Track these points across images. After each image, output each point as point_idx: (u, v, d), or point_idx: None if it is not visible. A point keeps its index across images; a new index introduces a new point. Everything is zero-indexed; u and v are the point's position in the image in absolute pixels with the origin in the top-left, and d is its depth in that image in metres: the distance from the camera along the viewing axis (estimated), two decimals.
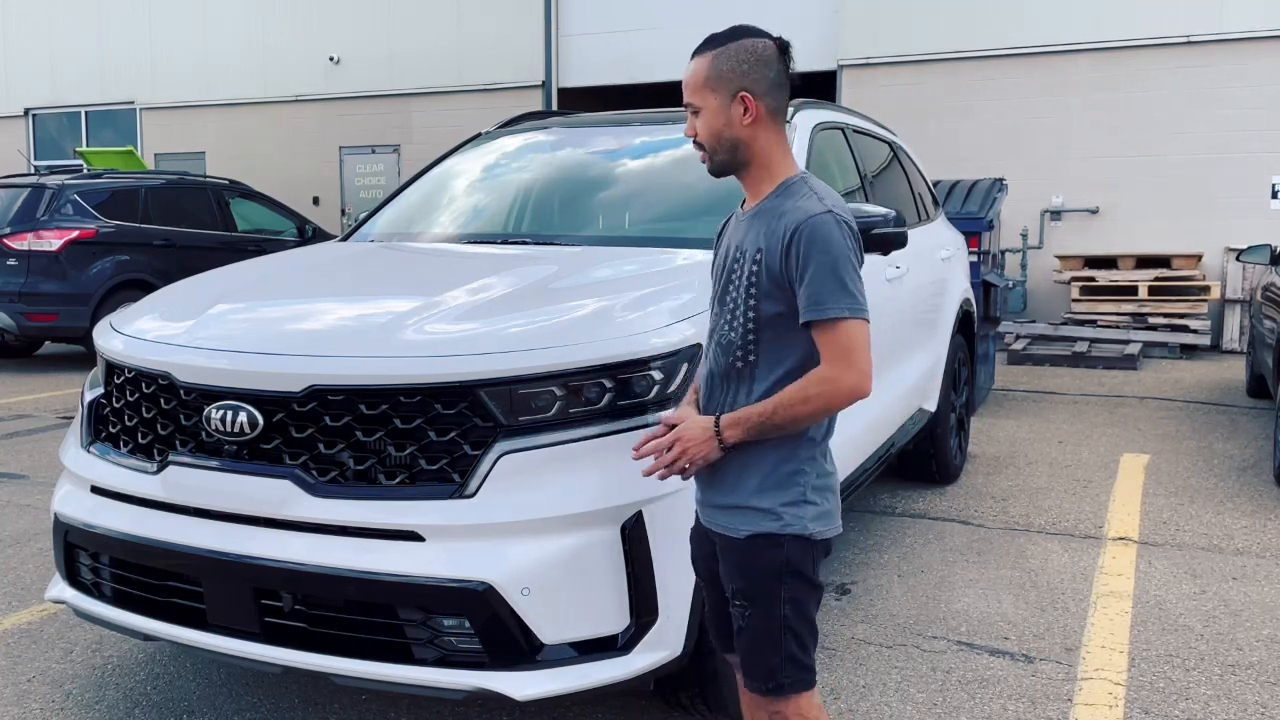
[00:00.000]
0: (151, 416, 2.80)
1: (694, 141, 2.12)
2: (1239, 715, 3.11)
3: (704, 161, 2.14)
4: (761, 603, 2.05)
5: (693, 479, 2.16)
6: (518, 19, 14.89)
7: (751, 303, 2.03)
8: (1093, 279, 11.50)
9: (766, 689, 2.08)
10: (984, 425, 7.21)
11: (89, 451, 2.95)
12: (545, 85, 14.82)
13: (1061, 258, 11.82)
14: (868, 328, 1.98)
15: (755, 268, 2.03)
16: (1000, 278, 8.36)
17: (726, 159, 2.10)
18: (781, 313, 2.01)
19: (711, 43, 2.09)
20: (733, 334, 2.07)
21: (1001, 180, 8.70)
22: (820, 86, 12.84)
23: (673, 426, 2.09)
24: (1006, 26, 12.22)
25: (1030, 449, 6.59)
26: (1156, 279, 11.24)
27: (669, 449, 2.05)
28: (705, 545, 2.21)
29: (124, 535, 2.74)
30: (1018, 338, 11.15)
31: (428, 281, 3.29)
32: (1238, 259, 8.04)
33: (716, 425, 2.02)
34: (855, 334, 1.96)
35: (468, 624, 2.44)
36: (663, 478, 2.10)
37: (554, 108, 14.35)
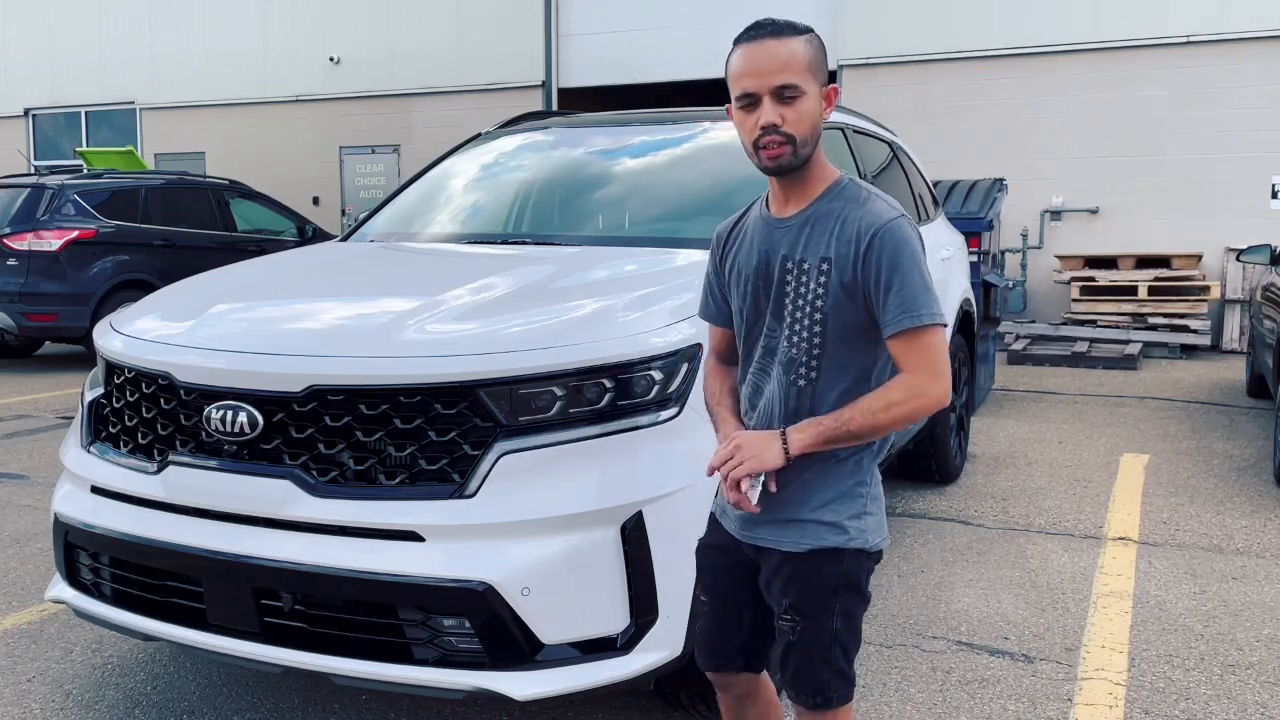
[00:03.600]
0: (151, 416, 2.80)
1: (775, 130, 1.87)
2: (1239, 715, 3.11)
3: (775, 158, 1.89)
4: (815, 617, 1.98)
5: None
6: (518, 19, 14.89)
7: (819, 316, 1.91)
8: (1093, 279, 11.50)
9: (814, 704, 2.02)
10: (984, 425, 7.21)
11: (89, 451, 2.95)
12: (545, 85, 14.82)
13: (1061, 258, 11.82)
14: (945, 336, 1.91)
15: (824, 278, 1.90)
16: (1000, 278, 8.36)
17: (810, 152, 1.92)
18: (849, 324, 1.91)
19: (790, 28, 1.90)
20: (794, 350, 1.94)
21: (1001, 180, 8.70)
22: None
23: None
24: (1007, 26, 12.23)
25: (1030, 449, 6.59)
26: (1156, 279, 11.24)
27: (730, 458, 1.90)
28: (729, 558, 2.11)
29: (124, 535, 2.74)
30: (1018, 338, 11.16)
31: (428, 281, 3.29)
32: (1238, 259, 8.04)
33: (782, 434, 1.88)
34: (942, 342, 1.89)
35: (468, 624, 2.44)
36: (732, 499, 1.93)
37: (554, 108, 14.35)
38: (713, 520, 2.18)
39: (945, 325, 1.88)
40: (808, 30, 1.92)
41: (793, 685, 2.04)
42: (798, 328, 1.94)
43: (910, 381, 1.86)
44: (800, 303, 1.93)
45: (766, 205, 2.04)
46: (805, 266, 1.93)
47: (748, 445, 1.90)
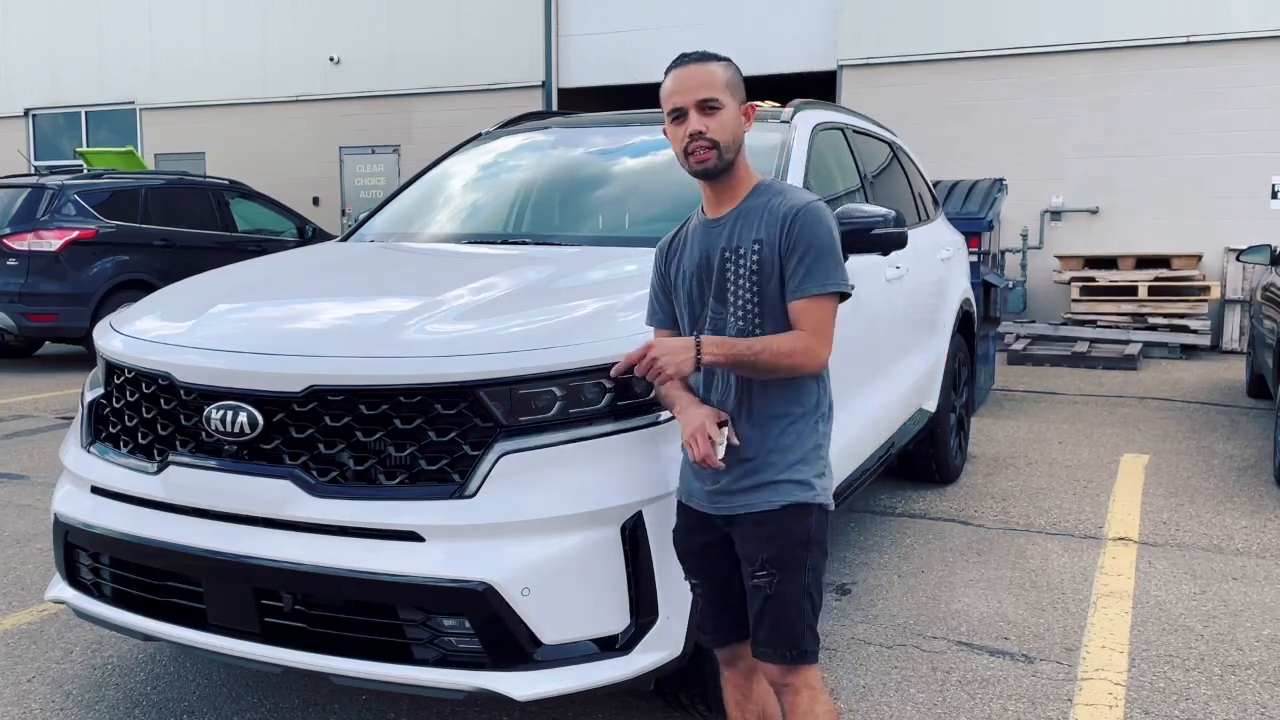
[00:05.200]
0: (151, 417, 2.80)
1: (701, 137, 2.18)
2: (1239, 715, 3.11)
3: (703, 161, 2.20)
4: (790, 569, 2.17)
5: (701, 470, 2.23)
6: (518, 19, 14.89)
7: (755, 290, 2.18)
8: (1093, 279, 11.50)
9: (791, 656, 2.19)
10: (984, 425, 7.21)
11: (89, 451, 2.95)
12: (545, 85, 14.82)
13: (1061, 258, 11.82)
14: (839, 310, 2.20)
15: (756, 256, 2.18)
16: (1000, 278, 8.36)
17: (732, 159, 2.23)
18: (780, 295, 2.19)
19: (709, 56, 2.26)
20: (741, 323, 2.20)
21: (1001, 180, 8.70)
22: (820, 86, 12.84)
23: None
24: (1007, 26, 12.22)
25: (1030, 449, 6.59)
26: (1156, 279, 11.24)
27: (643, 357, 2.12)
28: (705, 535, 2.30)
29: (124, 535, 2.74)
30: (1018, 338, 11.15)
31: (428, 282, 3.29)
32: (1238, 259, 8.04)
33: (697, 341, 2.12)
34: (834, 312, 2.18)
35: (468, 624, 2.44)
36: (698, 456, 2.11)
37: (554, 108, 14.35)
38: (680, 506, 2.36)
39: (845, 297, 2.19)
40: (726, 59, 2.29)
41: (770, 642, 2.19)
42: (740, 303, 2.21)
43: (808, 341, 2.14)
44: (740, 281, 2.20)
45: (703, 212, 2.34)
46: (740, 251, 2.21)
47: (662, 346, 2.12)
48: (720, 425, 2.17)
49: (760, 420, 2.20)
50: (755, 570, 2.19)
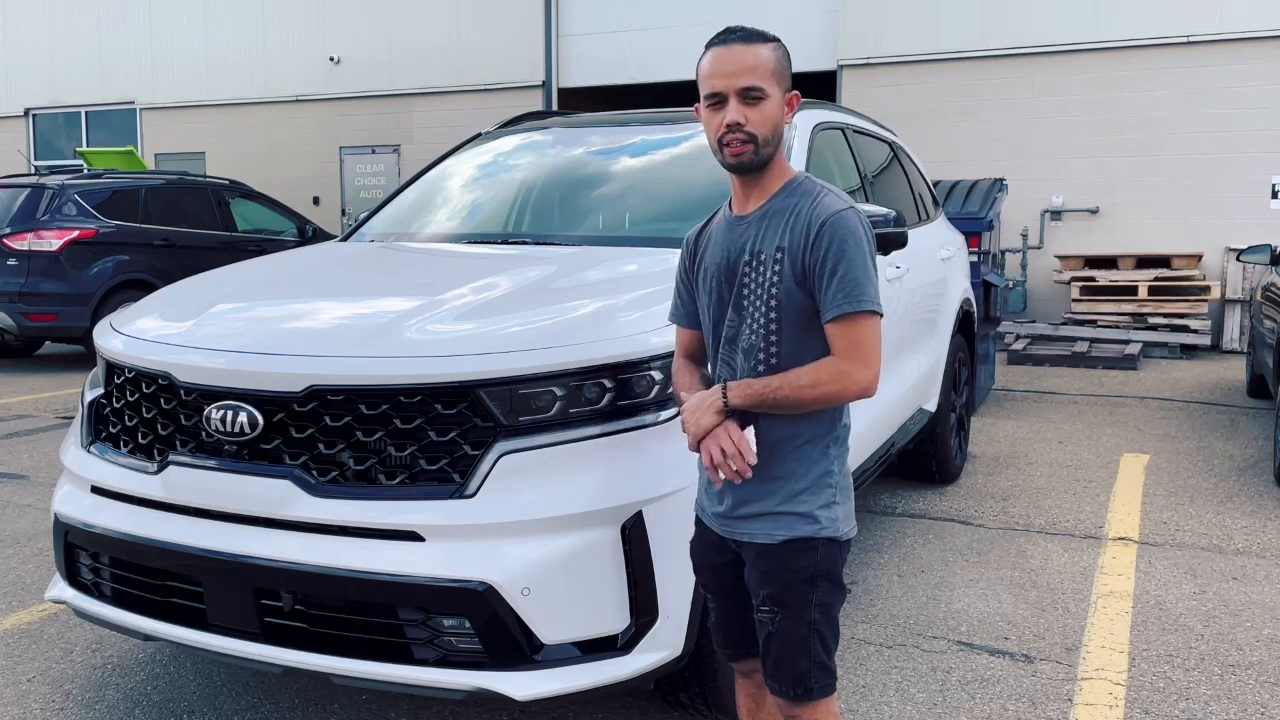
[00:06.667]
0: (151, 416, 2.80)
1: (739, 129, 1.98)
2: (1239, 715, 3.11)
3: (739, 155, 2.00)
4: (793, 607, 2.04)
5: (709, 489, 2.15)
6: (518, 19, 14.90)
7: (774, 303, 2.00)
8: (1093, 279, 11.51)
9: (795, 694, 2.07)
10: (984, 425, 7.21)
11: (89, 451, 2.95)
12: (545, 85, 14.82)
13: (1061, 258, 11.83)
14: (881, 327, 1.99)
15: (778, 266, 2.00)
16: (1000, 278, 8.36)
17: (771, 154, 2.03)
18: (803, 310, 1.99)
19: (757, 36, 2.02)
20: (754, 337, 2.03)
21: (1001, 180, 8.70)
22: (820, 86, 12.84)
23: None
24: (1006, 26, 12.23)
25: (1030, 449, 6.59)
26: (1156, 279, 11.24)
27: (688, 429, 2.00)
28: (719, 555, 2.18)
29: (124, 535, 2.74)
30: (1018, 338, 11.16)
31: (428, 281, 3.29)
32: (1238, 259, 8.05)
33: (723, 389, 1.98)
34: (874, 331, 1.96)
35: (468, 624, 2.44)
36: (714, 478, 2.02)
37: (554, 108, 14.35)
38: (696, 520, 2.25)
39: (880, 315, 1.97)
40: (775, 39, 2.05)
41: (774, 677, 2.10)
42: (755, 314, 2.03)
43: (839, 366, 1.94)
44: (758, 291, 2.02)
45: (730, 207, 2.14)
46: (762, 257, 2.02)
47: (692, 405, 2.01)
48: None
49: (764, 442, 2.01)
50: (759, 605, 2.07)
